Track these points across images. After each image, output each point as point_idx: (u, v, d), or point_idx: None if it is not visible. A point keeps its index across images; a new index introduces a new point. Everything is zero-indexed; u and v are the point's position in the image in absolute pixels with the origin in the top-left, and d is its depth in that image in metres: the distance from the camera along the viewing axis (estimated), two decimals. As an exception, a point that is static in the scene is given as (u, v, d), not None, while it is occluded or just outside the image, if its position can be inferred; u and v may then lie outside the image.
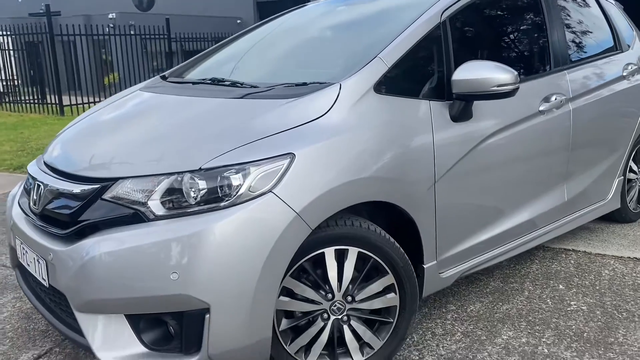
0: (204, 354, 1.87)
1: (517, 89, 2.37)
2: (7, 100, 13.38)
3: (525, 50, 3.12)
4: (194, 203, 1.91)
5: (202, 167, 1.92)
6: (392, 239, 2.20)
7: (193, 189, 1.91)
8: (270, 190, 1.91)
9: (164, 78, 3.09)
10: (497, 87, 2.32)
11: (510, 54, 3.04)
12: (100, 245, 1.90)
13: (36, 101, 12.67)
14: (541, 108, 2.87)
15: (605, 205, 3.57)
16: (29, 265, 2.27)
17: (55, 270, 2.02)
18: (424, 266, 2.41)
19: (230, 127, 2.10)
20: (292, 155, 1.97)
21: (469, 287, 2.97)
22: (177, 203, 1.92)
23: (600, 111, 3.31)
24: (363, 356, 2.22)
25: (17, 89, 13.87)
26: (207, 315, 1.84)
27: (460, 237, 2.58)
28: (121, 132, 2.32)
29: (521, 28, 3.18)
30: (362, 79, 2.22)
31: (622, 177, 3.69)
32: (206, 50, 3.39)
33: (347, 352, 2.21)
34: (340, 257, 2.12)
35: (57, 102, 11.87)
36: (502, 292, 2.90)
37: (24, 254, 2.31)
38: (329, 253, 2.09)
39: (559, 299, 2.79)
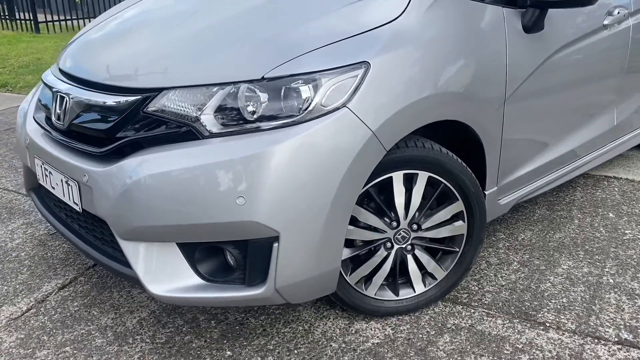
0: (270, 286, 1.68)
1: (599, -4, 2.12)
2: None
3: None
4: (254, 118, 1.65)
5: (265, 77, 1.66)
6: (464, 163, 2.00)
7: (253, 102, 1.66)
8: (344, 105, 1.67)
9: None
10: (578, -7, 2.06)
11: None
12: (148, 166, 1.66)
13: (6, 17, 11.80)
14: (605, 22, 2.62)
15: (648, 131, 3.40)
16: (54, 188, 2.02)
17: (91, 193, 1.78)
18: (486, 192, 2.23)
19: (292, 29, 1.81)
20: (366, 65, 1.71)
21: (515, 215, 2.82)
22: (235, 118, 1.66)
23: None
24: (425, 287, 2.07)
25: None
26: (276, 244, 1.64)
27: (521, 161, 2.39)
28: (161, 33, 2.00)
29: None
30: (438, -23, 1.93)
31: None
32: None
33: (408, 283, 2.06)
34: (408, 182, 1.92)
35: (32, 18, 11.07)
36: (551, 220, 2.76)
37: (46, 175, 2.05)
38: (397, 177, 1.88)
39: (612, 227, 2.67)
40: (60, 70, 2.17)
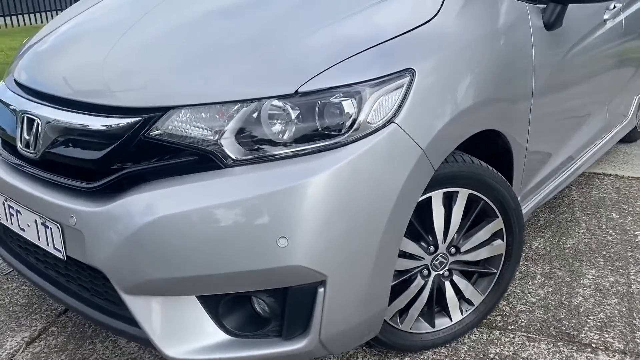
0: (313, 338, 1.42)
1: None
2: None
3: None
4: (287, 141, 1.38)
5: (298, 91, 1.38)
6: (503, 177, 1.81)
7: (284, 122, 1.38)
8: (391, 121, 1.43)
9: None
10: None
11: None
12: (160, 204, 1.35)
13: None
14: (606, 17, 2.53)
15: (626, 125, 3.38)
16: (23, 230, 1.65)
17: (82, 239, 1.44)
18: (512, 204, 2.06)
19: (313, 35, 1.53)
20: (412, 72, 1.47)
21: (520, 220, 2.68)
22: (263, 142, 1.38)
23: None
24: (462, 314, 1.87)
25: None
26: (321, 289, 1.38)
27: (539, 166, 2.25)
28: (159, 36, 1.65)
29: None
30: (471, -29, 1.72)
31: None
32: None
33: (444, 311, 1.86)
34: (447, 201, 1.71)
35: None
36: (558, 224, 2.64)
37: (12, 214, 1.68)
38: (437, 197, 1.67)
39: (621, 229, 2.59)
40: (19, 84, 1.79)
